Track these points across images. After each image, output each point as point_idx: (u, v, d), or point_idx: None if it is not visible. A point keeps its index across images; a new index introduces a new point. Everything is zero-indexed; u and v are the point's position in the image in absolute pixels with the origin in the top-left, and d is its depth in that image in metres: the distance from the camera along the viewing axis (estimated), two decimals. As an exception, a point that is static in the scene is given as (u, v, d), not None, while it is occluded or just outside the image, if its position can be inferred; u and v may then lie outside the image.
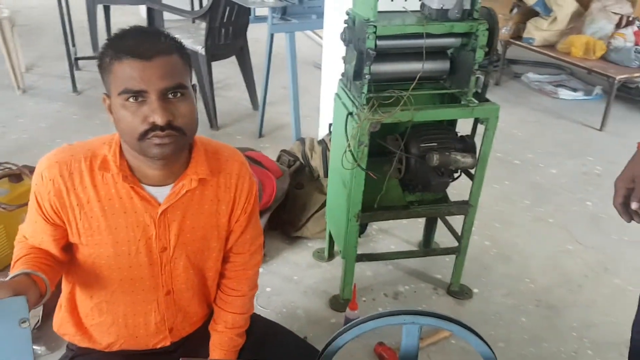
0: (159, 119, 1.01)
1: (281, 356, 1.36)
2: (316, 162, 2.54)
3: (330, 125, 2.65)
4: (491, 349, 1.17)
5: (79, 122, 3.68)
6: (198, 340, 1.35)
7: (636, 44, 4.07)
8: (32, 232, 1.15)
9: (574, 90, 4.52)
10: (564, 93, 4.47)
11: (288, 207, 2.52)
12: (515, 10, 4.59)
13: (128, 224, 1.14)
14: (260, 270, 2.35)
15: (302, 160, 2.57)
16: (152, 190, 1.14)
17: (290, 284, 2.31)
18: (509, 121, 3.90)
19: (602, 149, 3.62)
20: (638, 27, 4.21)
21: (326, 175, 2.52)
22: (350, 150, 1.83)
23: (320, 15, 2.87)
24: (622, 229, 2.75)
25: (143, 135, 1.04)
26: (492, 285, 2.36)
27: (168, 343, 1.30)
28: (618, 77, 3.79)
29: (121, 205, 1.13)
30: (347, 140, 1.84)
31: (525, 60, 5.05)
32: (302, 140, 2.64)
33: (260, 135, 3.56)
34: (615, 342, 2.04)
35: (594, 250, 2.59)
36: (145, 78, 1.00)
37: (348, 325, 1.18)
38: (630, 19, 4.26)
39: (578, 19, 4.35)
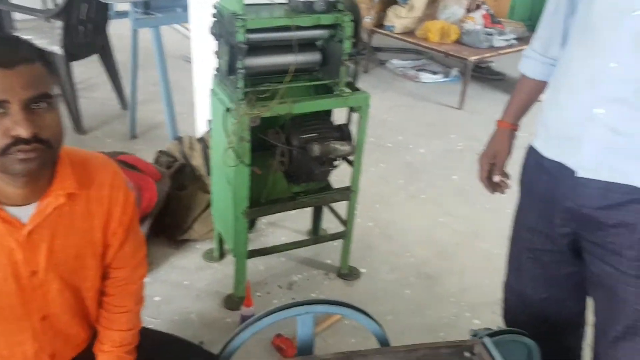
0: (23, 132, 0.93)
1: None
2: (197, 160, 2.48)
3: (209, 122, 2.60)
4: (379, 325, 1.24)
5: None
6: None
7: (485, 27, 4.48)
8: None
9: (434, 73, 4.87)
10: (425, 77, 4.79)
11: (171, 210, 2.43)
12: (376, -1, 4.82)
13: None
14: (147, 279, 2.25)
15: (182, 160, 2.49)
16: (14, 210, 1.05)
17: (180, 289, 2.25)
18: (379, 107, 4.10)
19: (462, 127, 3.95)
20: (486, 10, 4.64)
21: (209, 173, 2.47)
22: (232, 147, 1.82)
23: (185, 8, 2.78)
24: (485, 199, 3.04)
25: (4, 150, 0.95)
26: (378, 263, 2.49)
27: None
28: (471, 59, 4.15)
29: None
30: (228, 137, 1.83)
31: (389, 47, 5.33)
32: (179, 139, 2.56)
33: (133, 136, 3.39)
34: (488, 302, 2.26)
35: (463, 220, 2.84)
36: (6, 87, 0.91)
37: (243, 325, 1.19)
38: (478, 3, 4.69)
39: (433, 5, 4.67)
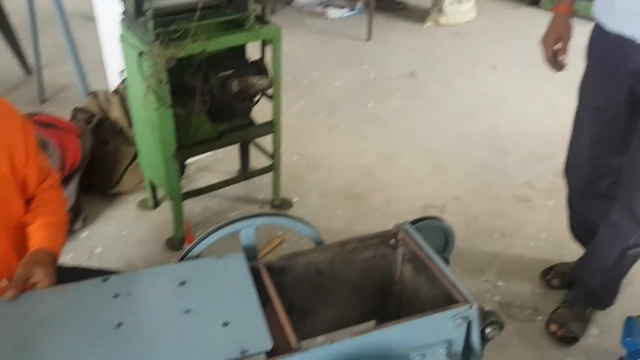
0: None
1: None
2: (116, 113, 2.46)
3: (121, 72, 2.57)
4: (315, 229, 1.38)
5: None
6: None
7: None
8: None
9: (341, 7, 4.94)
10: (332, 12, 4.86)
11: (96, 166, 2.43)
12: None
13: None
14: (85, 233, 2.29)
15: (100, 115, 2.46)
16: None
17: (120, 240, 2.29)
18: (291, 46, 4.14)
19: (372, 57, 4.10)
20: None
21: (130, 125, 2.47)
22: (152, 90, 1.84)
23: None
24: (399, 121, 3.25)
25: None
26: (307, 191, 2.64)
27: None
28: (373, -9, 4.26)
29: None
30: (146, 81, 1.85)
31: (294, -14, 5.31)
32: (94, 94, 2.51)
33: (43, 100, 3.26)
34: (410, 210, 2.48)
35: (381, 143, 3.03)
36: None
37: (192, 244, 1.29)
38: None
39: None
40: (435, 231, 1.45)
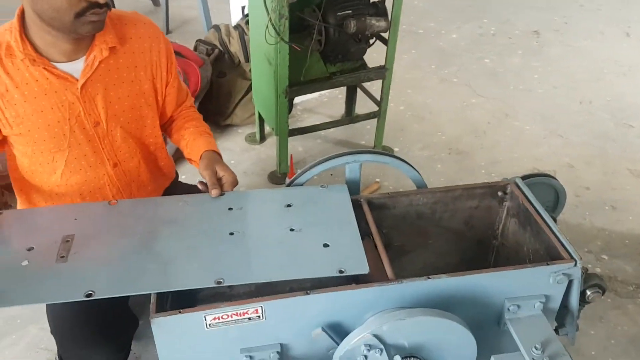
0: None
1: None
2: (235, 47, 2.56)
3: (243, 8, 2.65)
4: (418, 173, 1.38)
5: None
6: None
7: None
8: None
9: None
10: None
11: (213, 96, 2.56)
12: None
13: (53, 105, 1.17)
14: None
15: (220, 48, 2.57)
16: (65, 67, 1.17)
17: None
18: (409, -6, 4.03)
19: (494, 12, 3.88)
20: None
21: (247, 60, 2.56)
22: (272, 24, 1.89)
23: None
24: (517, 80, 3.08)
25: (80, 14, 1.06)
26: (410, 142, 2.61)
27: None
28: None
29: (40, 88, 1.15)
30: (268, 14, 1.90)
31: None
32: (216, 28, 2.62)
33: (168, 32, 3.46)
34: (518, 172, 2.37)
35: (494, 101, 2.90)
36: None
37: (300, 171, 1.34)
38: None
39: None
40: (546, 189, 1.40)
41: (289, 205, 1.21)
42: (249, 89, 2.53)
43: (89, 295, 0.95)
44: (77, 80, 1.17)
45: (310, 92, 2.30)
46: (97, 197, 1.33)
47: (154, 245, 1.07)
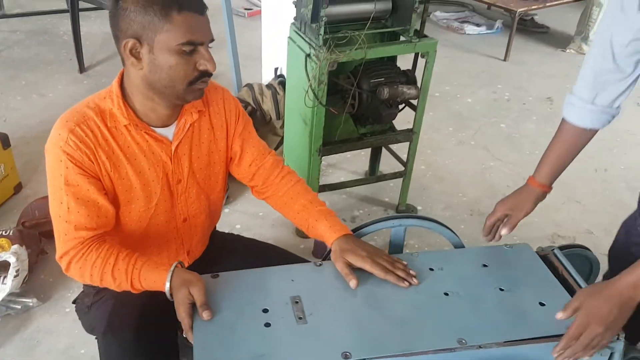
0: (211, 67, 1.15)
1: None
2: (267, 105, 2.67)
3: (276, 69, 2.79)
4: (458, 237, 1.45)
5: (2, 85, 3.50)
6: (210, 258, 1.51)
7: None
8: (78, 208, 1.18)
9: (478, 25, 4.91)
10: (470, 28, 4.85)
11: (243, 150, 2.65)
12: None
13: (150, 165, 1.26)
14: (226, 210, 2.51)
15: (253, 105, 2.69)
16: (161, 131, 1.27)
17: (257, 219, 2.49)
18: (425, 57, 4.21)
19: (508, 78, 4.05)
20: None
21: (278, 117, 2.67)
22: (313, 90, 2.00)
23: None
24: (533, 145, 3.20)
25: (192, 82, 1.16)
26: (432, 202, 2.69)
27: (186, 265, 1.45)
28: (519, 10, 4.20)
29: (140, 150, 1.25)
30: (308, 80, 2.01)
31: (433, -1, 5.37)
32: (250, 86, 2.75)
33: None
34: (540, 237, 2.45)
35: (512, 164, 3.00)
36: (201, 30, 1.13)
37: (352, 230, 1.41)
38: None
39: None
40: (581, 260, 1.46)
41: (485, 265, 1.29)
42: (279, 144, 2.63)
43: (346, 357, 1.00)
44: (171, 142, 1.27)
45: (342, 152, 2.40)
46: (163, 251, 1.39)
47: (380, 305, 1.14)
